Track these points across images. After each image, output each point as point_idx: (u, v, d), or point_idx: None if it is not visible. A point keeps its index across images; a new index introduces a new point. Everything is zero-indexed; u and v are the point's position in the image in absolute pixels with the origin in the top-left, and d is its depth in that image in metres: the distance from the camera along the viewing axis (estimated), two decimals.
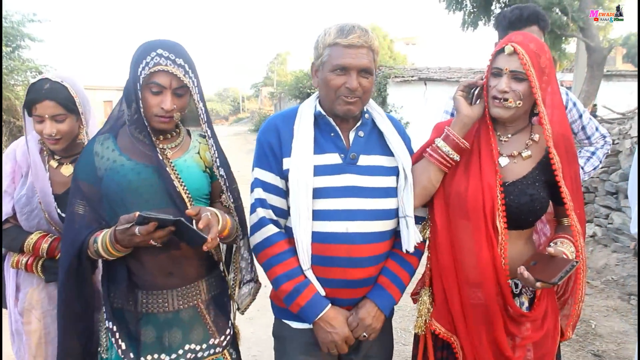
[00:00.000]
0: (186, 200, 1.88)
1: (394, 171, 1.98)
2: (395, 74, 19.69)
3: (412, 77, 19.40)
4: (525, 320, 1.91)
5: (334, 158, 1.92)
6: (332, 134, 1.95)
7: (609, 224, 6.66)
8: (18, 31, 16.11)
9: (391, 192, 1.96)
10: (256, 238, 1.93)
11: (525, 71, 1.80)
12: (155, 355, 1.87)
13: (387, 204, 1.94)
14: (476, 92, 1.96)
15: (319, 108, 1.97)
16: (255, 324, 2.37)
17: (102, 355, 1.94)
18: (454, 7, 13.25)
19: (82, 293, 1.87)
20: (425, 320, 2.06)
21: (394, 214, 1.96)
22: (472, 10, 13.24)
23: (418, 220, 2.02)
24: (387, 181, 1.96)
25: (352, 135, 1.97)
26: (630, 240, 6.17)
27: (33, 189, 2.13)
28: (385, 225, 1.95)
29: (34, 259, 2.19)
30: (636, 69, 25.51)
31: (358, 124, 1.98)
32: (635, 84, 18.05)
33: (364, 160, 1.95)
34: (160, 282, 1.89)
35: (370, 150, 1.97)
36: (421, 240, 1.99)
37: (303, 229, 1.85)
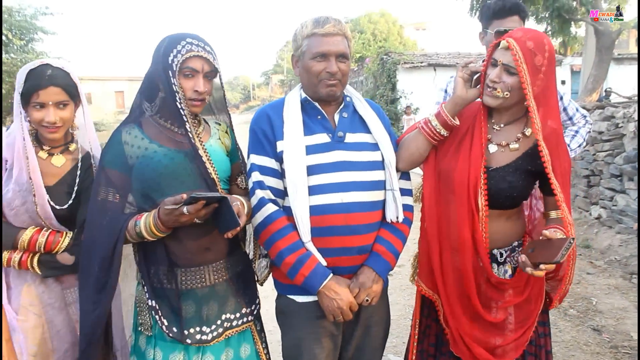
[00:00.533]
0: (217, 182, 2.04)
1: (378, 147, 2.15)
2: (404, 60, 19.76)
3: (422, 63, 19.45)
4: (507, 287, 2.08)
5: (322, 138, 2.10)
6: (318, 117, 2.13)
7: (613, 205, 6.78)
8: (31, 24, 16.35)
9: (378, 165, 2.13)
10: (257, 218, 2.06)
11: (516, 66, 1.91)
12: (197, 328, 2.02)
13: (375, 175, 2.12)
14: (475, 77, 2.09)
15: (304, 95, 2.15)
16: (269, 301, 2.51)
17: (146, 333, 2.04)
18: None
19: (111, 280, 1.94)
20: (414, 275, 2.31)
21: (382, 185, 2.14)
22: None
23: (407, 192, 2.22)
24: (373, 155, 2.13)
25: (337, 116, 2.15)
26: (633, 221, 6.31)
27: (27, 182, 2.02)
28: (376, 196, 2.11)
29: (28, 254, 2.06)
30: None
31: (341, 106, 2.17)
32: None
33: (351, 137, 2.12)
34: (198, 258, 2.03)
35: (355, 129, 2.15)
36: (402, 217, 2.14)
37: (301, 203, 2.01)
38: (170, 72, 1.93)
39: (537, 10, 12.77)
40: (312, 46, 2.05)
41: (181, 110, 1.96)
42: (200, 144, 2.03)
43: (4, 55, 15.73)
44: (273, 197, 2.08)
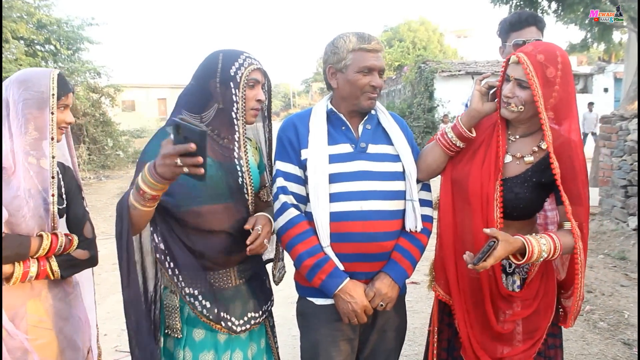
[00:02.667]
0: (250, 193, 2.16)
1: (400, 158, 2.22)
2: (442, 68, 19.68)
3: (459, 71, 19.35)
4: (515, 299, 2.10)
5: (345, 148, 2.19)
6: (342, 128, 2.23)
7: None
8: (78, 35, 16.88)
9: (398, 176, 2.20)
10: (279, 222, 2.16)
11: (527, 80, 1.94)
12: (228, 316, 2.10)
13: (395, 186, 2.19)
14: (491, 92, 2.14)
15: (330, 106, 2.26)
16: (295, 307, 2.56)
17: (174, 336, 2.12)
18: (499, 1, 13.05)
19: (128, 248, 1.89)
20: (431, 282, 2.35)
21: (402, 195, 2.20)
22: (518, 3, 13.04)
23: (427, 203, 2.27)
24: (394, 166, 2.21)
25: (360, 128, 2.24)
26: None
27: (47, 186, 2.01)
28: (395, 205, 2.18)
29: (44, 262, 1.98)
30: None
31: (365, 118, 2.25)
32: None
33: (373, 148, 2.21)
34: (225, 260, 2.15)
35: (378, 140, 2.24)
36: (420, 227, 2.20)
37: (322, 209, 2.11)
38: (232, 83, 2.04)
39: (577, 17, 12.54)
40: (359, 60, 2.14)
41: (235, 120, 2.08)
42: (245, 155, 2.14)
43: (52, 64, 16.31)
44: (295, 202, 2.18)
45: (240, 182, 2.11)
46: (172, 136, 1.58)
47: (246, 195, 2.15)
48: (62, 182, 2.13)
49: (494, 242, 1.87)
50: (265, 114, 2.29)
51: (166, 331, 2.15)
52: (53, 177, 2.02)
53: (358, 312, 2.10)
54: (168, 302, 2.16)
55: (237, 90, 2.05)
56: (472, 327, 2.14)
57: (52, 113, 1.99)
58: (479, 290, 2.11)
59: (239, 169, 2.11)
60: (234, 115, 2.07)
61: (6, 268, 1.90)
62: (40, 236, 1.98)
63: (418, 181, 2.25)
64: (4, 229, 1.90)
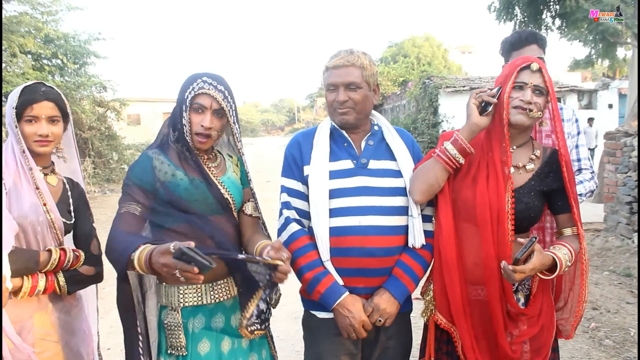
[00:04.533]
0: (233, 208, 2.20)
1: (402, 174, 2.23)
2: (446, 84, 19.70)
3: (464, 87, 19.35)
4: (523, 318, 2.07)
5: (347, 164, 2.22)
6: (345, 144, 2.26)
7: None
8: (85, 49, 16.99)
9: (400, 192, 2.20)
10: (283, 237, 2.20)
11: (547, 87, 2.05)
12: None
13: (396, 201, 2.19)
14: (490, 108, 2.08)
15: (333, 123, 2.29)
16: (299, 322, 2.53)
17: (177, 354, 2.08)
18: (504, 17, 13.16)
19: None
20: (431, 311, 2.23)
21: (404, 211, 2.20)
22: (522, 20, 13.14)
23: (428, 218, 2.25)
24: (396, 182, 2.21)
25: (363, 144, 2.27)
26: None
27: (38, 197, 2.03)
28: (395, 221, 2.18)
29: (52, 276, 2.02)
30: None
31: (368, 134, 2.28)
32: None
33: (374, 164, 2.22)
34: (209, 275, 2.08)
35: (380, 156, 2.25)
36: (420, 243, 2.18)
37: (322, 224, 2.14)
38: (184, 106, 2.11)
39: (582, 34, 12.61)
40: (326, 78, 2.25)
41: (189, 143, 2.13)
42: (214, 175, 2.18)
43: (59, 79, 16.42)
44: (298, 217, 2.22)
45: (220, 196, 2.15)
46: (172, 249, 1.68)
47: (230, 208, 2.19)
48: (70, 199, 2.16)
49: (536, 237, 1.92)
50: (233, 140, 2.28)
51: (169, 351, 2.11)
52: (39, 189, 2.03)
53: (356, 327, 2.10)
54: (170, 320, 2.12)
55: (185, 114, 2.11)
56: (481, 354, 2.09)
57: (16, 126, 2.02)
58: (487, 314, 2.07)
59: (213, 184, 2.15)
60: (187, 138, 2.13)
61: (15, 281, 1.91)
62: (49, 251, 2.01)
63: (415, 202, 2.21)
64: (14, 243, 1.92)
